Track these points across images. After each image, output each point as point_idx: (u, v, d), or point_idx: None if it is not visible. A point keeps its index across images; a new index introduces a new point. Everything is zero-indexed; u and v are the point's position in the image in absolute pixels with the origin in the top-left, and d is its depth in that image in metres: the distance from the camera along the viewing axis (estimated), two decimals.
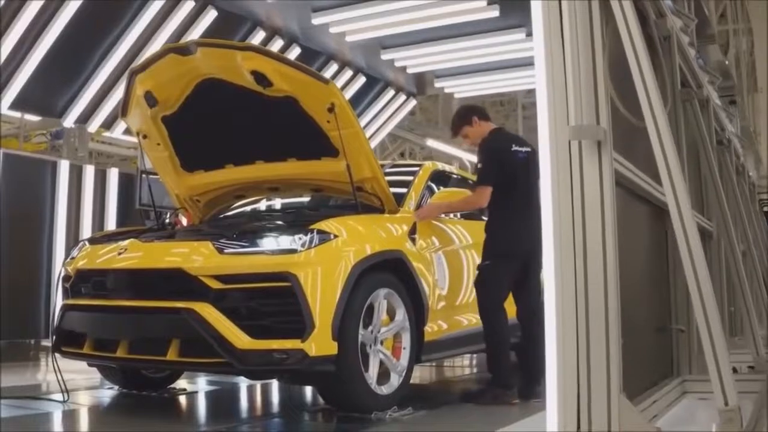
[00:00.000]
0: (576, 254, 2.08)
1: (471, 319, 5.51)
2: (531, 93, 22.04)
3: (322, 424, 4.67)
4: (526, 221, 5.04)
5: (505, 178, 5.13)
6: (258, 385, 5.91)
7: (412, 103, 13.48)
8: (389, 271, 4.72)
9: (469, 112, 5.48)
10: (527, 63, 11.10)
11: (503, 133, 5.56)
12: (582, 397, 2.11)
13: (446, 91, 13.02)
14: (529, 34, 9.84)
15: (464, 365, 7.78)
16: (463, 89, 12.90)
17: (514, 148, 5.27)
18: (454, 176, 6.30)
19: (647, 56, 2.42)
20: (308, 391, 5.59)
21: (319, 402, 4.83)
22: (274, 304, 4.16)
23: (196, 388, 5.74)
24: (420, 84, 13.02)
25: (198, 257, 4.29)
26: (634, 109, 2.57)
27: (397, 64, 11.35)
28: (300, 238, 4.28)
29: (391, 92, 12.73)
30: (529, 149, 5.32)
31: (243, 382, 5.95)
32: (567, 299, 2.11)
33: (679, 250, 2.60)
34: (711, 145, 4.62)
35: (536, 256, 5.04)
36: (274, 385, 5.91)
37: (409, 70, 11.73)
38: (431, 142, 15.34)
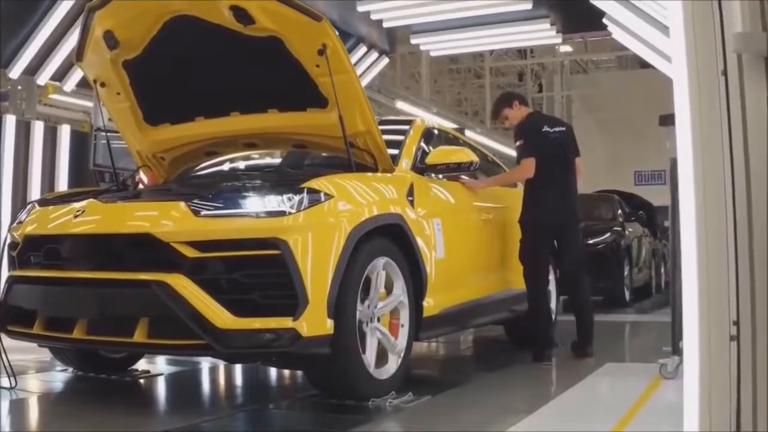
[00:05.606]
0: (737, 217, 1.49)
1: (472, 291, 5.12)
2: (501, 57, 21.58)
3: (311, 414, 4.12)
4: (551, 197, 5.59)
5: (537, 157, 5.58)
6: (221, 365, 5.30)
7: (384, 61, 12.87)
8: (387, 237, 4.20)
9: (511, 97, 6.07)
10: (513, 19, 10.63)
11: (538, 116, 6.35)
12: (744, 390, 1.58)
13: (422, 48, 12.47)
14: None
15: (456, 341, 7.25)
16: (439, 47, 12.33)
17: (545, 129, 5.73)
18: (437, 133, 5.73)
19: None
20: (287, 374, 5.03)
21: (306, 387, 4.27)
22: (260, 275, 3.61)
23: (158, 369, 5.12)
24: (392, 42, 12.43)
25: (169, 221, 3.70)
26: None
27: (374, 16, 10.71)
28: (289, 199, 3.72)
29: (363, 49, 12.09)
30: (562, 128, 5.84)
31: (206, 363, 5.35)
32: (714, 271, 1.55)
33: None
34: None
35: (565, 229, 5.78)
36: (239, 366, 5.31)
37: (386, 24, 11.10)
38: (401, 104, 14.79)
